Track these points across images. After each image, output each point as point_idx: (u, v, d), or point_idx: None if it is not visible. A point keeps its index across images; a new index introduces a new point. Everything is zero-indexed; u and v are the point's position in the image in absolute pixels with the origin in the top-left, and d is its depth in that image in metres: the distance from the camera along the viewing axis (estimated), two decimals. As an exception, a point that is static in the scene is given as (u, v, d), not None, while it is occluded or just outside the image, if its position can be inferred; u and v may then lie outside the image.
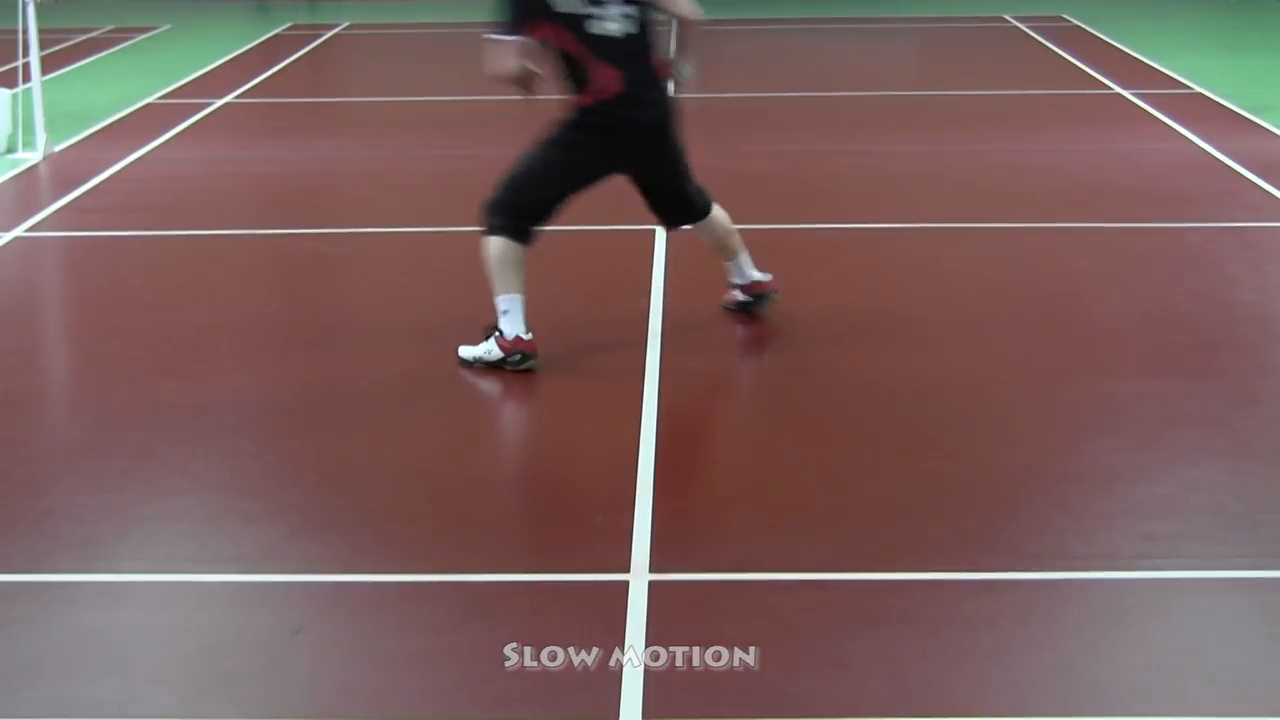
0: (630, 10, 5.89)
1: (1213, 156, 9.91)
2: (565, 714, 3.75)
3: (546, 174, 6.02)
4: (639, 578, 4.40)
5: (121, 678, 3.94)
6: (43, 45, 10.75)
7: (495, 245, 5.99)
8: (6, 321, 7.09)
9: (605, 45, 5.86)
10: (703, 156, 10.36)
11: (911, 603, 4.28)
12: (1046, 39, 15.60)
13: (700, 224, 6.44)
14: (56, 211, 8.90)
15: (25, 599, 4.40)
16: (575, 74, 5.93)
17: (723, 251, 6.58)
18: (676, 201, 6.34)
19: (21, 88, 10.43)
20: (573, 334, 6.52)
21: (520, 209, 6.00)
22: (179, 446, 5.30)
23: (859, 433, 5.52)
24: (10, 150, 10.28)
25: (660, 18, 5.99)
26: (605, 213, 8.74)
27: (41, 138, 10.23)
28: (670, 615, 4.19)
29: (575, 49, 5.87)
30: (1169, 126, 10.94)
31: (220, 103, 12.36)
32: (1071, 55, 14.42)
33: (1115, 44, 15.12)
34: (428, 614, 4.27)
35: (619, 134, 6.01)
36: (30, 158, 10.13)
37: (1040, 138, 10.75)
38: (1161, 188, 9.17)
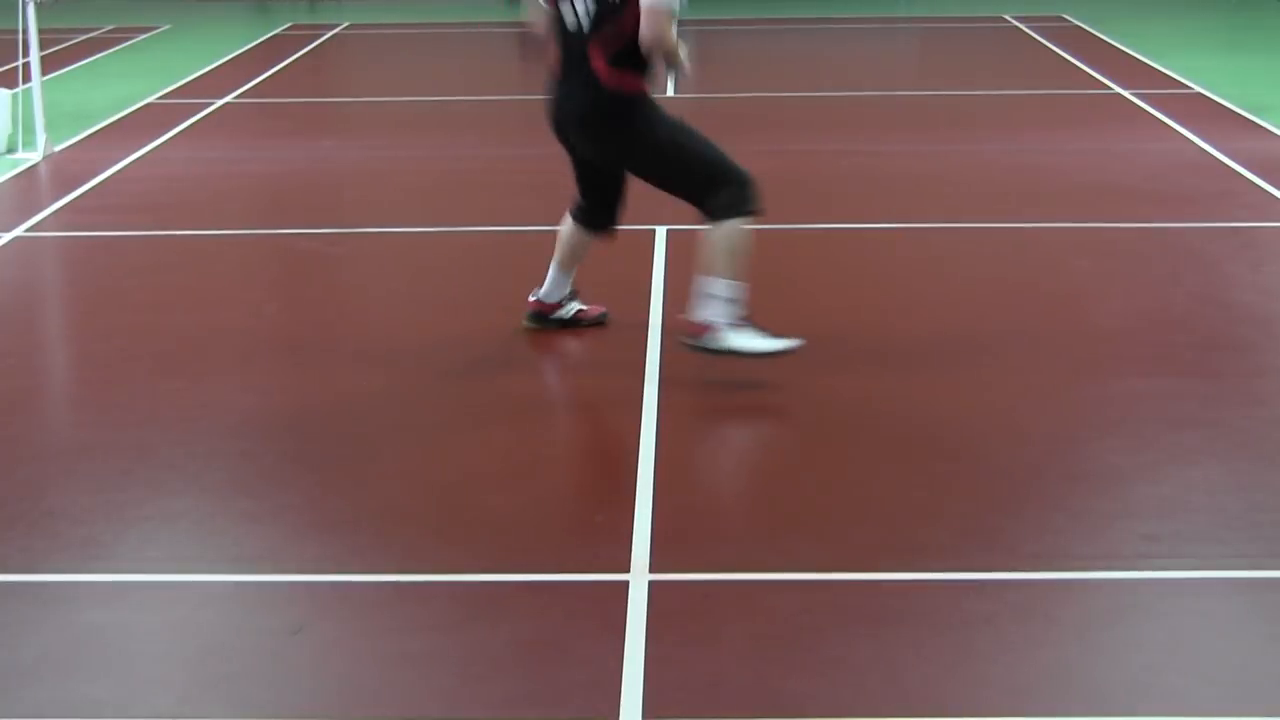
0: (588, 3, 5.88)
1: (1213, 156, 9.91)
2: (565, 714, 3.76)
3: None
4: (639, 578, 4.40)
5: (121, 678, 3.94)
6: (43, 45, 10.75)
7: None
8: (6, 321, 7.09)
9: (560, 25, 5.98)
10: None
11: (911, 602, 4.29)
12: (1046, 39, 15.60)
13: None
14: (56, 211, 8.90)
15: (25, 599, 4.40)
16: None
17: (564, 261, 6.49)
18: (606, 202, 6.31)
19: (21, 88, 10.43)
20: (573, 333, 6.52)
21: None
22: (179, 446, 5.29)
23: (859, 432, 5.52)
24: (10, 150, 10.28)
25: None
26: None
27: (41, 138, 10.23)
28: (670, 615, 4.19)
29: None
30: (1169, 126, 10.94)
31: (220, 103, 12.36)
32: (1071, 55, 14.42)
33: (1115, 44, 15.13)
34: (428, 614, 4.27)
35: (548, 112, 6.14)
36: (30, 158, 10.13)
37: (1040, 138, 10.75)
38: (1161, 188, 9.17)
